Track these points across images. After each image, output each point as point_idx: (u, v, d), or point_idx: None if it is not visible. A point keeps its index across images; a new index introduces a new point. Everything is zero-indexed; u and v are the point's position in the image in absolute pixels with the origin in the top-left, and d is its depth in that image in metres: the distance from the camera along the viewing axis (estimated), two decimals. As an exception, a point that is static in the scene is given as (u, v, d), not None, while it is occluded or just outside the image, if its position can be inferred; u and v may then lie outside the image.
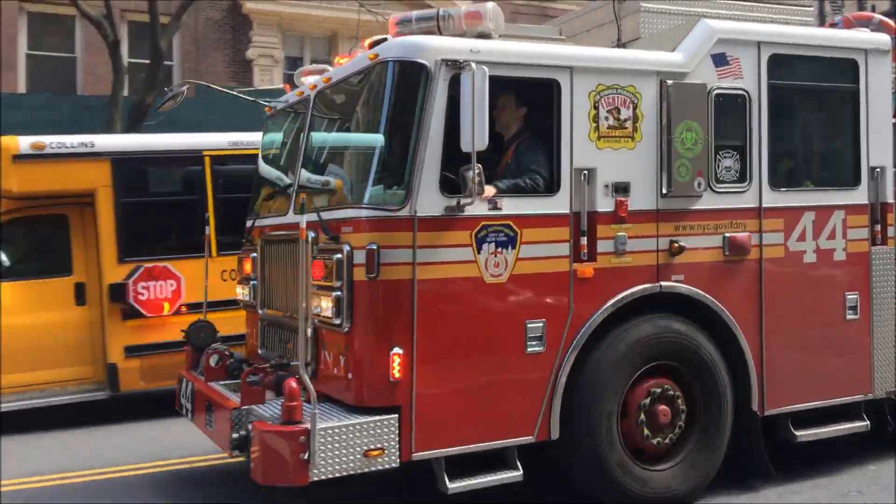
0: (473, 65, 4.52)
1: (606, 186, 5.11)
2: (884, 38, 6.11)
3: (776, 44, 5.68)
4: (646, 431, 5.15)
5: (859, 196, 5.94)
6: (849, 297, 5.89)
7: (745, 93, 5.53)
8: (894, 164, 6.08)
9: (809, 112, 6.15)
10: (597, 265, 5.07)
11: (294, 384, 4.45)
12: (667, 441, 5.22)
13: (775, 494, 5.54)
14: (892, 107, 6.14)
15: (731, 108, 5.53)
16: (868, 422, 5.93)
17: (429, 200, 4.62)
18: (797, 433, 5.68)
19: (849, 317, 5.88)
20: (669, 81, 5.26)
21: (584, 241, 5.02)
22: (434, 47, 4.69)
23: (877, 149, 6.01)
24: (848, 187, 5.94)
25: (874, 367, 5.94)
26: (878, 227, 5.98)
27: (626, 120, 5.18)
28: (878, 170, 5.98)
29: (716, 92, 5.43)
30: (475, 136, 4.47)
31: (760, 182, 5.58)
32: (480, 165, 4.53)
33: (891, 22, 6.84)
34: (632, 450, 5.16)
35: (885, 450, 6.30)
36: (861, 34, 6.11)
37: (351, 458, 4.44)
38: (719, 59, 5.48)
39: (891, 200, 6.05)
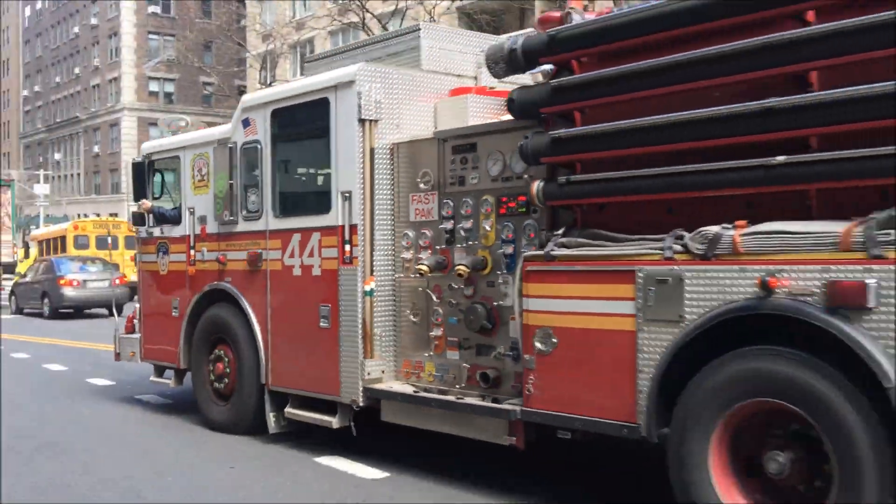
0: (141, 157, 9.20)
1: (199, 218, 8.60)
2: (348, 71, 6.88)
3: (276, 101, 7.61)
4: (213, 377, 8.48)
5: (331, 219, 7.11)
6: (321, 308, 7.24)
7: (258, 145, 7.79)
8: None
9: (302, 150, 7.45)
10: (195, 268, 8.67)
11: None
12: (223, 387, 8.36)
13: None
14: (360, 135, 6.83)
15: (252, 158, 7.91)
16: (334, 419, 7.16)
17: (145, 230, 9.40)
18: (286, 410, 7.63)
19: (322, 325, 7.25)
20: (215, 146, 8.23)
21: (192, 252, 8.72)
22: (145, 147, 9.36)
23: (345, 174, 6.98)
24: (323, 212, 7.18)
25: (341, 374, 7.09)
26: (347, 248, 6.99)
27: (205, 175, 8.48)
28: (346, 193, 6.98)
29: (243, 148, 7.97)
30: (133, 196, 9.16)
31: (268, 212, 7.74)
32: (146, 212, 9.13)
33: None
34: (215, 389, 8.55)
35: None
36: (332, 73, 7.05)
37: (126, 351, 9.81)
38: (246, 123, 7.93)
39: (356, 222, 6.91)
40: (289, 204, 7.80)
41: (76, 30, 76.66)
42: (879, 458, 4.18)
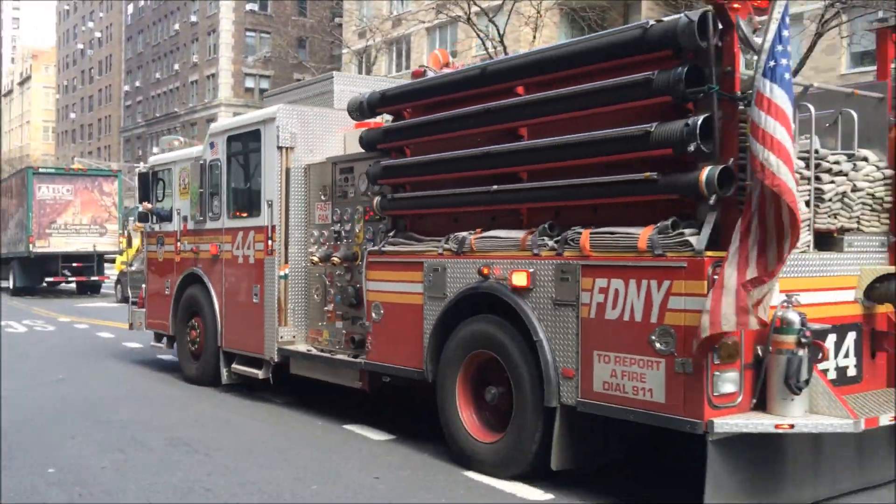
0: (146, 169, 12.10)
1: (183, 217, 11.41)
2: (272, 110, 9.54)
3: (231, 129, 10.34)
4: (189, 342, 11.28)
5: (261, 221, 9.78)
6: (255, 288, 9.92)
7: (218, 162, 10.54)
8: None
9: (247, 168, 10.05)
10: (180, 256, 11.50)
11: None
12: (195, 349, 11.15)
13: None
14: (279, 158, 9.48)
15: (215, 172, 10.65)
16: (260, 372, 9.83)
17: (149, 226, 12.30)
18: (232, 366, 10.35)
19: (254, 301, 9.93)
20: (192, 161, 11.03)
21: (178, 244, 11.54)
22: (150, 160, 12.24)
23: (269, 187, 9.64)
24: (256, 215, 9.86)
25: (266, 337, 9.75)
26: (270, 243, 9.66)
27: (187, 184, 11.28)
28: (269, 202, 9.64)
29: (209, 164, 10.73)
30: (138, 199, 12.05)
31: (224, 214, 10.48)
32: (148, 211, 12.03)
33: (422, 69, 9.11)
34: (191, 351, 11.35)
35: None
36: (263, 110, 9.72)
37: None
38: (212, 145, 10.68)
39: (276, 223, 9.57)
40: (237, 208, 10.51)
41: (176, 27, 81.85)
42: (532, 379, 6.55)
